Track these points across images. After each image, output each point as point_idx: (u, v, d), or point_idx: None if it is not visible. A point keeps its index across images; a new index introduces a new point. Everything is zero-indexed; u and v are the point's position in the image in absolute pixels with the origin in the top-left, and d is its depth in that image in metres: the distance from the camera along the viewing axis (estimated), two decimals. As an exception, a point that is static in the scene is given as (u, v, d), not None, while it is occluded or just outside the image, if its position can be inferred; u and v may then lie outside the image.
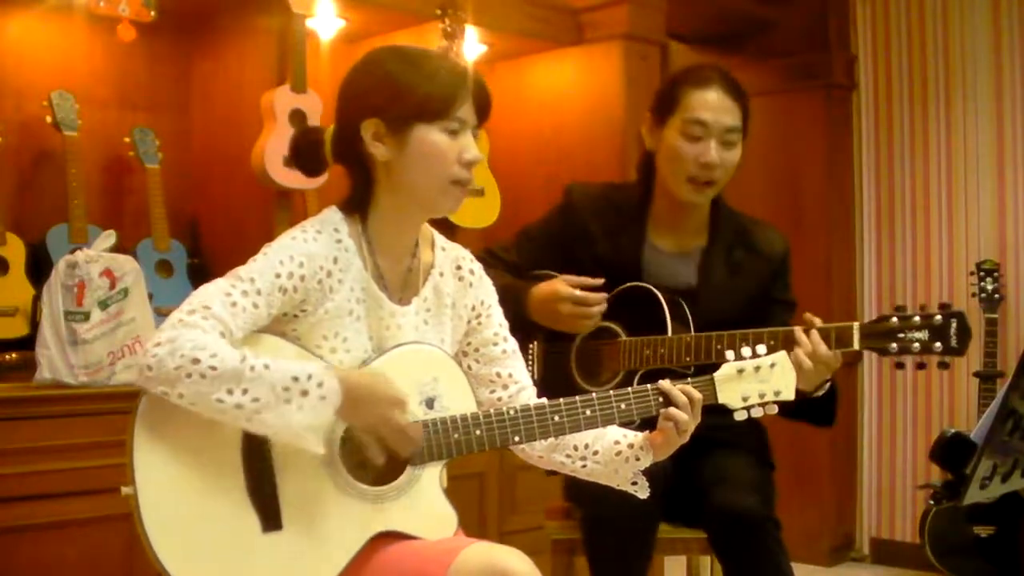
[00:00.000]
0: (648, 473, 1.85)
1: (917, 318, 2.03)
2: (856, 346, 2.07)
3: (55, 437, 2.47)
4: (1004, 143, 4.15)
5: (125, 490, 1.57)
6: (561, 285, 2.29)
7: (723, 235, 2.39)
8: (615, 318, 2.36)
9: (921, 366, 2.08)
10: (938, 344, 2.00)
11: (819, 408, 2.22)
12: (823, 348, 2.05)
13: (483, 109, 1.76)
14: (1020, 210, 4.11)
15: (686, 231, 2.41)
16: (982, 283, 3.93)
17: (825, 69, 4.48)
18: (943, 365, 2.06)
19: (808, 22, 4.53)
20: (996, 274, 3.95)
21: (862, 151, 4.54)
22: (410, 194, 1.73)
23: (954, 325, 2.00)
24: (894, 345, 2.04)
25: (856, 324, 2.08)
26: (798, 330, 2.08)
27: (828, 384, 2.16)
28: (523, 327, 1.96)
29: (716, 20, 4.57)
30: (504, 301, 1.95)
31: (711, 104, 2.31)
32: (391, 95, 1.69)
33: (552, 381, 2.34)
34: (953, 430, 2.01)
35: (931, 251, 4.33)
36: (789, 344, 2.07)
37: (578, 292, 2.27)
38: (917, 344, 2.02)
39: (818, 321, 2.09)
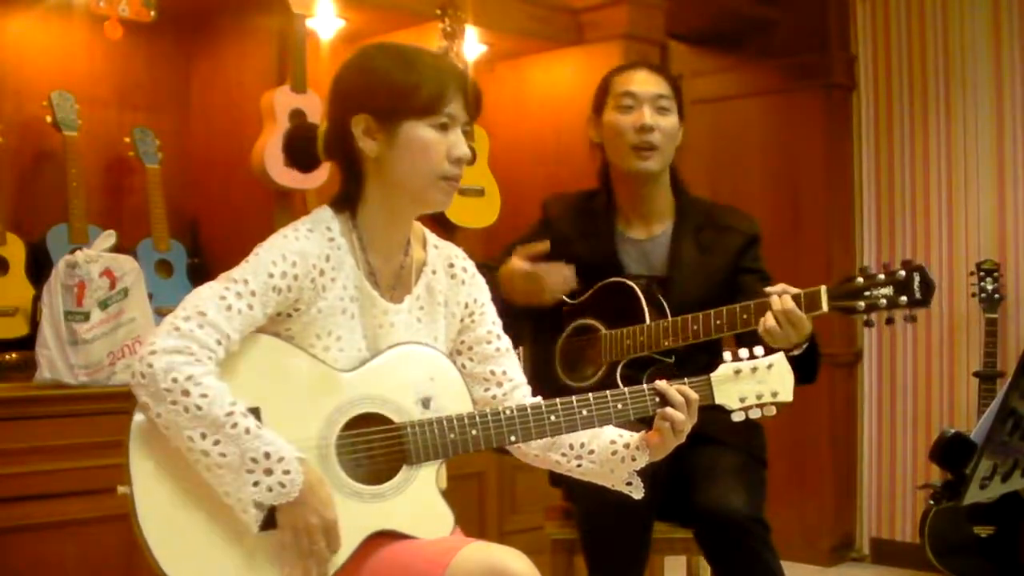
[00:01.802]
0: (640, 472, 1.85)
1: (881, 276, 2.08)
2: (825, 308, 2.11)
3: (55, 437, 2.47)
4: (1004, 143, 4.15)
5: (122, 489, 1.58)
6: (515, 261, 2.37)
7: (689, 218, 2.47)
8: (595, 315, 2.42)
9: (889, 321, 2.11)
10: (903, 298, 2.06)
11: (798, 366, 2.26)
12: (792, 306, 2.09)
13: (473, 107, 1.77)
14: (1020, 210, 4.11)
15: (652, 216, 2.48)
16: (982, 283, 3.93)
17: (825, 69, 4.48)
18: (910, 319, 2.10)
19: (808, 22, 4.53)
20: (996, 274, 3.95)
21: (862, 151, 4.54)
22: (399, 189, 1.74)
23: (917, 278, 2.06)
24: (861, 303, 2.09)
25: (823, 287, 2.13)
26: (769, 292, 2.14)
27: (806, 345, 2.19)
28: (510, 317, 1.99)
29: (716, 20, 4.57)
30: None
31: (636, 78, 2.46)
32: (381, 90, 1.70)
33: (538, 382, 2.36)
34: (953, 430, 2.01)
35: (931, 251, 4.33)
36: (763, 311, 2.12)
37: (527, 266, 2.35)
38: (883, 300, 2.08)
39: (790, 288, 2.14)
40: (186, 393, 1.53)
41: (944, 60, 4.29)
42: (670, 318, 2.30)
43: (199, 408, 1.53)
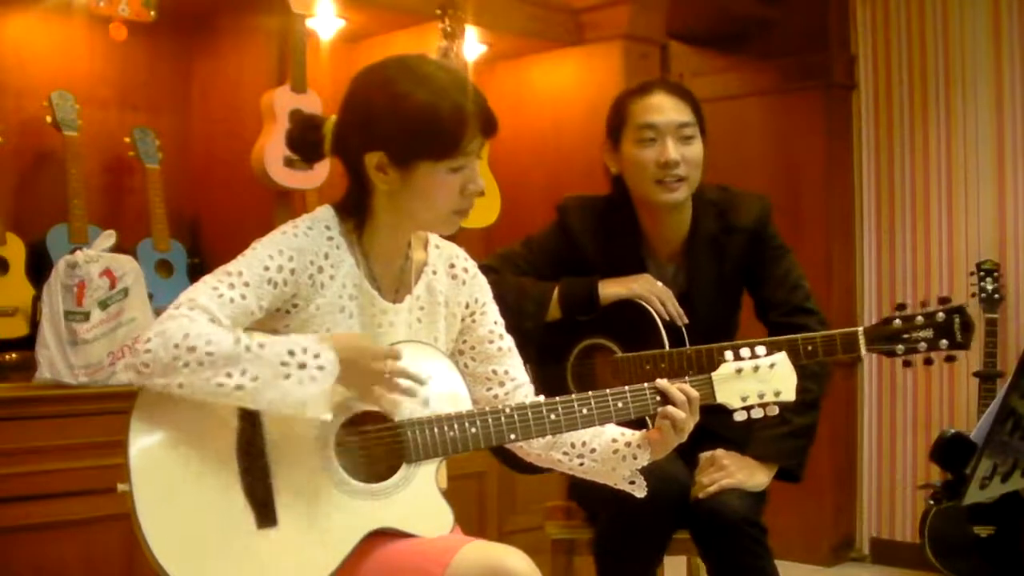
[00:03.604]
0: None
1: (920, 318, 2.05)
2: (863, 351, 2.08)
3: (55, 437, 2.47)
4: (1004, 143, 4.15)
5: (121, 487, 1.58)
6: (662, 290, 2.32)
7: (704, 224, 2.37)
8: (607, 334, 2.35)
9: (928, 362, 2.09)
10: (944, 341, 2.04)
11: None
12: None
13: (489, 133, 1.74)
14: (1020, 210, 4.11)
15: (673, 239, 2.40)
16: (982, 283, 3.93)
17: (825, 69, 4.48)
18: (950, 359, 2.09)
19: (808, 22, 4.53)
20: (996, 274, 3.95)
21: (862, 151, 4.54)
22: (409, 218, 1.75)
23: (957, 321, 2.03)
24: (900, 347, 2.06)
25: (860, 329, 2.08)
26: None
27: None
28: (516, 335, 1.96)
29: (716, 20, 4.57)
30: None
31: (655, 106, 2.32)
32: (399, 130, 1.67)
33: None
34: (953, 430, 2.01)
35: (931, 251, 4.33)
36: (795, 351, 2.08)
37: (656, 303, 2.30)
38: (923, 343, 2.05)
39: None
40: (192, 349, 1.53)
41: (944, 60, 4.29)
42: (688, 346, 2.24)
43: (210, 354, 1.53)
